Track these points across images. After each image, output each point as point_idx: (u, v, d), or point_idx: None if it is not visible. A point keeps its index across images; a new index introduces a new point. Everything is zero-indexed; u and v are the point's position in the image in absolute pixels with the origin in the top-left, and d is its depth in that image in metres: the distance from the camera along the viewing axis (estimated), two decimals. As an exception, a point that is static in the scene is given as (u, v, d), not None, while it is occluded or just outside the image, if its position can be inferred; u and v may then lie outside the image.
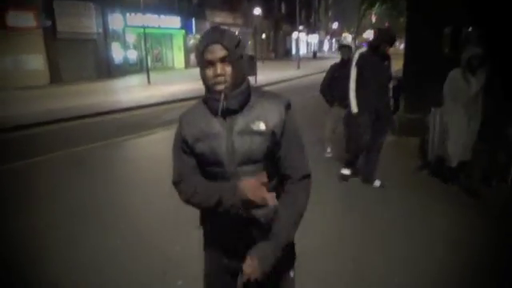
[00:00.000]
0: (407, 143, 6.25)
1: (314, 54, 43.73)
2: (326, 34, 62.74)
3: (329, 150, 5.87)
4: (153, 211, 4.15)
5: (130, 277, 2.96)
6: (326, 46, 64.07)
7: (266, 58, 34.62)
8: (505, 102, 4.33)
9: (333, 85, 5.39)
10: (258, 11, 30.16)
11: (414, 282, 2.79)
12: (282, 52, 41.67)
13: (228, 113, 1.36)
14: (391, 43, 4.36)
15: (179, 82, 17.65)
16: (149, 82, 16.91)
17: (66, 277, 2.96)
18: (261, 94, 1.44)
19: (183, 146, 1.45)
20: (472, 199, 4.14)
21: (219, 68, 1.31)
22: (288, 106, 1.41)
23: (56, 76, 18.10)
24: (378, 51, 4.31)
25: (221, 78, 1.31)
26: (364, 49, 4.44)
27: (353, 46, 5.71)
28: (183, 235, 3.46)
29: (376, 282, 2.79)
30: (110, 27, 20.86)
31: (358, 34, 57.39)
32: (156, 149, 6.89)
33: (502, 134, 4.43)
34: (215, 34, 1.33)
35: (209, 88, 1.36)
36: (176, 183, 1.47)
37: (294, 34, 30.69)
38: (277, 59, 37.27)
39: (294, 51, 29.16)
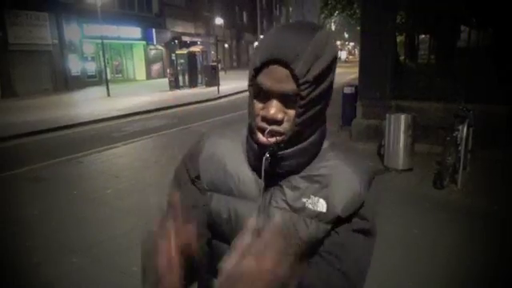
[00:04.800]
0: (364, 149, 6.43)
1: (276, 62, 44.51)
2: (288, 42, 64.00)
3: None
4: (112, 229, 4.05)
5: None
6: (287, 55, 65.16)
7: (229, 68, 34.90)
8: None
9: None
10: (219, 21, 30.27)
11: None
12: (244, 61, 41.98)
13: (274, 175, 0.84)
14: None
15: (140, 93, 17.37)
16: (108, 94, 16.48)
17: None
18: (335, 154, 0.88)
19: (190, 181, 0.94)
20: (426, 200, 4.37)
21: (274, 108, 0.75)
22: (369, 183, 0.88)
23: (8, 89, 17.24)
24: None
25: (274, 127, 0.77)
26: None
27: None
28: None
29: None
30: (67, 38, 20.18)
31: (318, 42, 58.88)
32: (117, 163, 6.74)
33: (451, 137, 4.72)
34: (285, 43, 0.71)
35: (251, 129, 0.81)
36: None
37: (256, 43, 30.96)
38: (240, 68, 37.50)
39: (256, 60, 29.27)
